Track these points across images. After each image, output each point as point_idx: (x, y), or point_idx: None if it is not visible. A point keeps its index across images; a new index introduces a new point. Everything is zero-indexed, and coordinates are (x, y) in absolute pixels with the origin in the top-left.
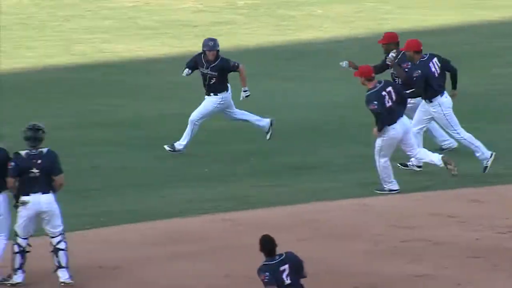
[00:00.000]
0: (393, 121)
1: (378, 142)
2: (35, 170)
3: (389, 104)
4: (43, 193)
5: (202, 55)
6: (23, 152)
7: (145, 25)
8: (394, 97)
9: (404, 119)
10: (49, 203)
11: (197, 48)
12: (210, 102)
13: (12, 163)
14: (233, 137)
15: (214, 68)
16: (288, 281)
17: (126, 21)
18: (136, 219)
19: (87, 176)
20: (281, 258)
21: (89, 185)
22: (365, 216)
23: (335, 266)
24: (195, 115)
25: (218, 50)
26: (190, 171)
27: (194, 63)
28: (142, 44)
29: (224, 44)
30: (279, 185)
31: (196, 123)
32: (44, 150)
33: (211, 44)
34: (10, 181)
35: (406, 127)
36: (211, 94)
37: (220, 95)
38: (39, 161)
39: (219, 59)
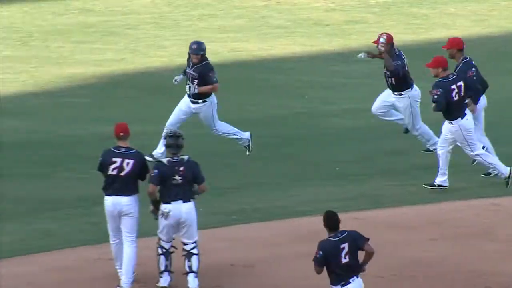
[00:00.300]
0: (463, 113)
1: (460, 137)
2: (177, 178)
3: (455, 98)
4: (184, 202)
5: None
6: (165, 160)
7: (277, 24)
8: (462, 93)
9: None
10: (189, 212)
11: (328, 47)
12: (206, 113)
13: (156, 171)
14: (364, 135)
15: (196, 69)
16: (345, 260)
17: (258, 20)
18: (267, 218)
19: (220, 174)
20: (343, 235)
21: (222, 183)
22: (497, 216)
23: (466, 265)
24: (218, 128)
25: (203, 54)
26: (319, 169)
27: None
28: (273, 43)
29: (355, 42)
30: (409, 185)
31: (219, 132)
32: (185, 157)
33: (194, 47)
34: (152, 187)
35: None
36: (199, 100)
37: (208, 100)
38: (181, 168)
39: (204, 62)
